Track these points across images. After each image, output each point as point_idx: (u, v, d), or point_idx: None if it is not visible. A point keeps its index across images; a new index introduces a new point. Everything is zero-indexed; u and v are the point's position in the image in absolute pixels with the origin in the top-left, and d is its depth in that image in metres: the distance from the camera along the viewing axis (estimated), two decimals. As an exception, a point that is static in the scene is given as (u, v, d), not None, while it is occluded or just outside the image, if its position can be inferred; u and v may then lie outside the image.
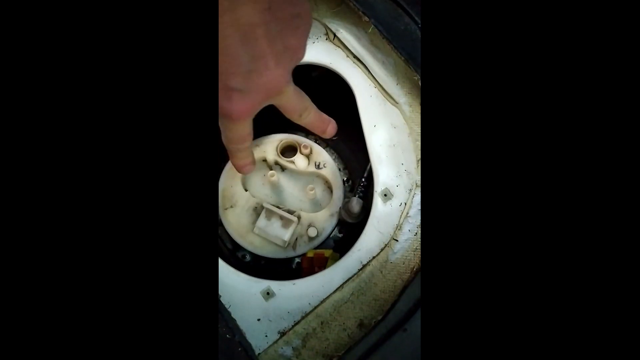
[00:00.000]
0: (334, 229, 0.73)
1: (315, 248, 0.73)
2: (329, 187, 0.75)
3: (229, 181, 0.73)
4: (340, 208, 0.72)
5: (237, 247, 0.75)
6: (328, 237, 0.73)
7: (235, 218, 0.72)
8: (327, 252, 0.73)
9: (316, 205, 0.75)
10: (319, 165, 0.75)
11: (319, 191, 0.75)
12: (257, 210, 0.71)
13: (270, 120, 0.79)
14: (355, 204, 0.68)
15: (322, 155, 0.76)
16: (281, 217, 0.69)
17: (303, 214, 0.72)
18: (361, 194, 0.70)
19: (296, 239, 0.71)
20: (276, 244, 0.70)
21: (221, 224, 0.73)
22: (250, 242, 0.71)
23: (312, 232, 0.71)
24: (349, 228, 0.74)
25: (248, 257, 0.75)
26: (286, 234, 0.68)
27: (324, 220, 0.72)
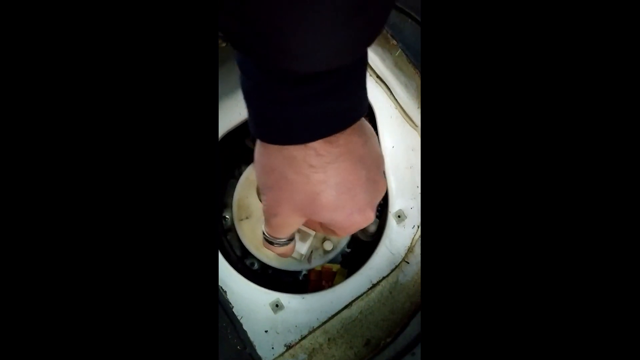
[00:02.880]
0: (348, 242, 0.74)
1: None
2: (342, 202, 0.76)
3: (244, 192, 0.74)
4: (356, 227, 0.73)
5: (245, 254, 0.75)
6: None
7: (251, 229, 0.72)
8: (335, 267, 0.73)
9: (329, 219, 0.75)
10: (333, 179, 0.76)
11: (332, 205, 0.76)
12: (273, 222, 0.72)
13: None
14: (372, 224, 0.69)
15: (337, 169, 0.77)
16: (298, 231, 0.70)
17: (318, 227, 0.73)
18: (377, 214, 0.71)
19: (311, 252, 0.72)
20: (292, 257, 0.71)
21: (236, 234, 0.73)
22: (266, 254, 0.72)
23: (328, 245, 0.71)
24: (358, 244, 0.75)
25: (256, 266, 0.76)
26: (303, 247, 0.69)
27: (337, 234, 0.73)
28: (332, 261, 0.74)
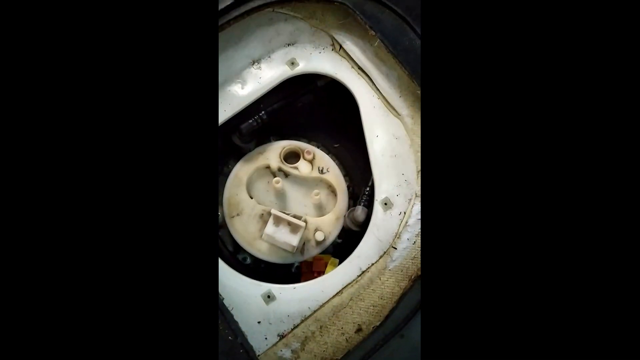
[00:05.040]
0: (339, 233, 0.75)
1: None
2: (333, 192, 0.77)
3: (234, 189, 0.75)
4: (345, 217, 0.74)
5: (237, 249, 0.76)
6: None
7: (242, 226, 0.73)
8: (327, 257, 0.74)
9: (321, 210, 0.76)
10: (322, 170, 0.77)
11: (323, 195, 0.77)
12: (264, 217, 0.73)
13: (272, 128, 0.82)
14: (361, 213, 0.70)
15: (325, 160, 0.78)
16: (289, 223, 0.70)
17: (309, 219, 0.73)
18: (366, 203, 0.72)
19: (304, 244, 0.73)
20: (285, 250, 0.72)
21: (227, 230, 0.74)
22: (258, 249, 0.73)
23: (320, 236, 0.72)
24: (348, 234, 0.76)
25: (248, 260, 0.77)
26: (295, 240, 0.70)
27: (329, 224, 0.74)
28: (324, 252, 0.75)
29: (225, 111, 0.71)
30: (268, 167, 0.77)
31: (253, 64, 0.73)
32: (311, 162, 0.77)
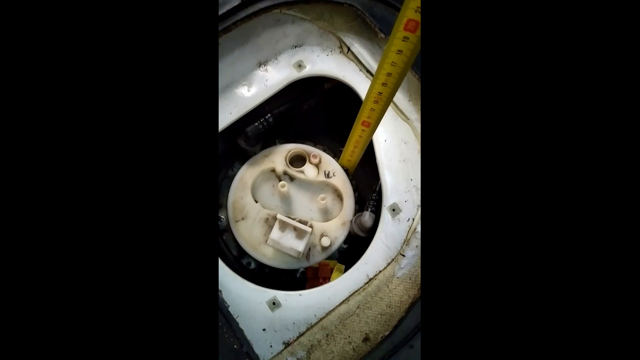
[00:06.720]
0: (346, 238, 0.74)
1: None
2: (339, 196, 0.76)
3: (239, 193, 0.74)
4: (351, 222, 0.73)
5: (242, 254, 0.75)
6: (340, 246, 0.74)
7: (247, 230, 0.72)
8: (332, 263, 0.73)
9: (327, 215, 0.75)
10: (328, 174, 0.76)
11: (329, 200, 0.75)
12: (269, 221, 0.72)
13: (278, 131, 0.80)
14: (368, 219, 0.69)
15: (331, 164, 0.76)
16: (295, 228, 0.69)
17: (315, 224, 0.72)
18: (373, 209, 0.71)
19: (309, 249, 0.71)
20: (290, 255, 0.70)
21: (232, 235, 0.73)
22: (264, 254, 0.71)
23: (325, 241, 0.71)
24: (354, 240, 0.74)
25: (253, 265, 0.75)
26: (301, 245, 0.68)
27: (335, 229, 0.73)
28: (329, 258, 0.74)
29: (231, 114, 0.70)
30: (273, 171, 0.76)
31: (260, 66, 0.72)
32: (317, 166, 0.76)
